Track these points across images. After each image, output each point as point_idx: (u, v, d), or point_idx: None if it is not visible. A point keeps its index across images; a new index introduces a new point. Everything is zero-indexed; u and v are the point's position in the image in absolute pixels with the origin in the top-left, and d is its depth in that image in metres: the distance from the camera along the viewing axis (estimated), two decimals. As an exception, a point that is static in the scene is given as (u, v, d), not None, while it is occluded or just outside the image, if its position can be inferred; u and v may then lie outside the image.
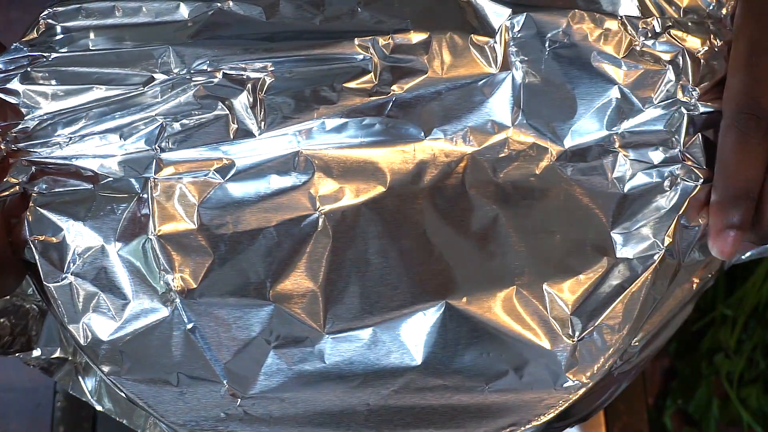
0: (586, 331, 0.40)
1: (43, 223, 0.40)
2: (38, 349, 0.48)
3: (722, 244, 0.40)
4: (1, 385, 0.74)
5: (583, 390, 0.40)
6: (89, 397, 0.49)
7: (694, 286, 0.43)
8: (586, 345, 0.40)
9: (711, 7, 0.43)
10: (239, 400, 0.39)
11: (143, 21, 0.42)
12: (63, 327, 0.40)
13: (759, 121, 0.40)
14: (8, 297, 0.47)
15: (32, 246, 0.40)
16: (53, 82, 0.41)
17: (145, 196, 0.40)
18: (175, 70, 0.41)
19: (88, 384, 0.49)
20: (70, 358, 0.49)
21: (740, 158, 0.40)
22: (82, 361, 0.48)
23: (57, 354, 0.48)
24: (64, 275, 0.40)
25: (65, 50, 0.41)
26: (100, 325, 0.40)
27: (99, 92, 0.41)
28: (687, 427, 0.83)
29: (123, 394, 0.40)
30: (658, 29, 0.42)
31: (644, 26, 0.42)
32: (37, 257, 0.40)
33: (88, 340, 0.40)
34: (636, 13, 0.42)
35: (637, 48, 0.42)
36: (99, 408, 0.49)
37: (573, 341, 0.40)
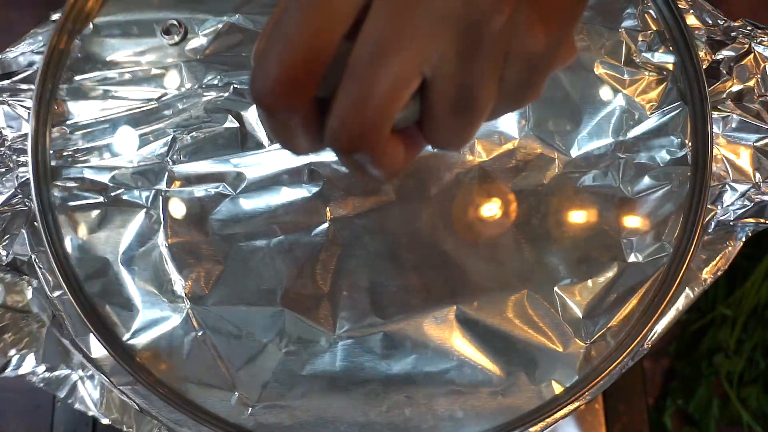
0: (598, 334, 0.41)
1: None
2: (41, 365, 0.48)
3: None
4: (1, 385, 0.73)
5: (595, 392, 0.40)
6: (95, 410, 0.49)
7: (704, 284, 0.43)
8: (598, 347, 0.41)
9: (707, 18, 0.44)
10: (250, 408, 0.40)
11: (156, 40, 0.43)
12: (71, 340, 0.40)
13: None
14: (9, 314, 0.47)
15: (34, 260, 0.40)
16: (68, 96, 0.41)
17: (155, 207, 0.41)
18: (187, 85, 0.41)
19: (92, 397, 0.49)
20: (73, 373, 0.48)
21: None
22: (85, 374, 0.48)
23: (59, 370, 0.48)
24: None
25: (81, 68, 0.42)
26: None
27: (113, 105, 0.41)
28: (687, 427, 0.84)
29: (134, 405, 0.40)
30: (657, 41, 0.43)
31: (644, 38, 0.43)
32: (39, 272, 0.40)
33: (97, 352, 0.40)
34: (636, 27, 0.43)
35: (638, 59, 0.43)
36: (106, 421, 0.49)
37: (585, 344, 0.40)
